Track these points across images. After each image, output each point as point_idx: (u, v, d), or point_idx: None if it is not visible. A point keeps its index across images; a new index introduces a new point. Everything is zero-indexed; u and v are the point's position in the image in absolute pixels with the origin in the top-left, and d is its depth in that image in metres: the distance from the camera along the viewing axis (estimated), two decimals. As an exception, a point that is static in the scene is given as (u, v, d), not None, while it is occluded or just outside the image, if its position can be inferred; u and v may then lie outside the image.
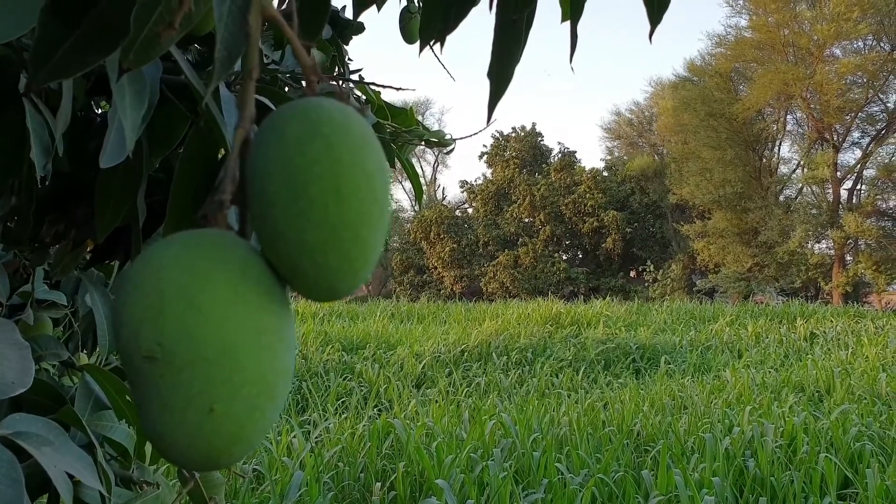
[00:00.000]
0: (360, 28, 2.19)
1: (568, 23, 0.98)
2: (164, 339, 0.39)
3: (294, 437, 6.30)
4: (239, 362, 0.39)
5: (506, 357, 11.04)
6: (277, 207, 0.40)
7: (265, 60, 1.70)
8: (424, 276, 35.97)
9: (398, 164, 1.76)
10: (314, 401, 8.18)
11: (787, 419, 6.57)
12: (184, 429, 0.40)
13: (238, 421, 0.40)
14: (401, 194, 51.12)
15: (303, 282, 0.42)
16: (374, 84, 1.68)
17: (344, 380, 9.15)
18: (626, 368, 11.05)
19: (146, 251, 0.41)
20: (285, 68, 1.73)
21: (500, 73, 0.93)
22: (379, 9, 1.42)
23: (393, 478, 5.41)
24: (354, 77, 2.42)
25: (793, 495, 5.09)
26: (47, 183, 1.33)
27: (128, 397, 1.01)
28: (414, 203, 43.93)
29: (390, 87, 1.58)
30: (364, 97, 1.89)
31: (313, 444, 6.16)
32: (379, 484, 5.19)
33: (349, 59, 2.38)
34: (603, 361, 11.25)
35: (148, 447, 1.08)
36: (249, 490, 5.28)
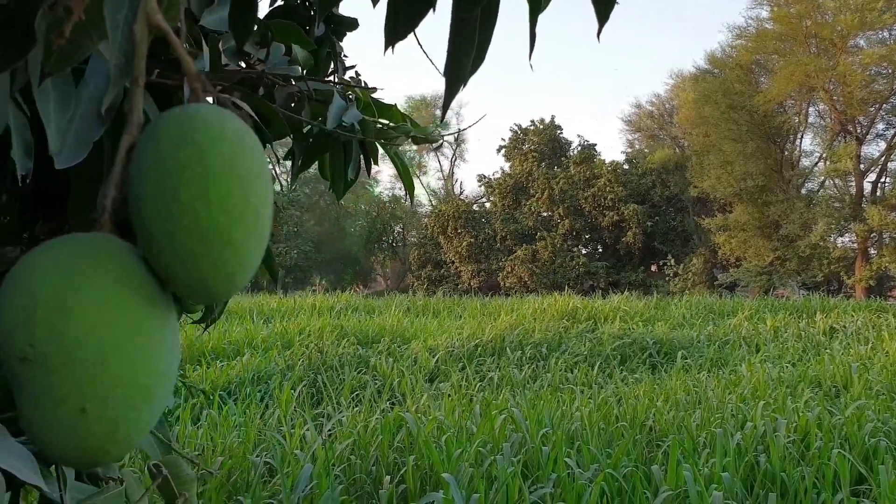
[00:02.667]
0: (353, 24, 2.20)
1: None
2: (36, 341, 0.40)
3: (307, 430, 6.35)
4: (110, 364, 0.40)
5: (520, 352, 11.02)
6: (151, 212, 0.41)
7: (250, 59, 1.72)
8: (442, 271, 35.98)
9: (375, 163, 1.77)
10: (328, 394, 8.22)
11: (800, 414, 6.51)
12: (58, 428, 0.41)
13: (111, 421, 0.41)
14: (418, 189, 51.14)
15: (179, 285, 0.43)
16: (347, 83, 1.69)
17: (358, 373, 9.19)
18: (642, 363, 11.00)
19: (25, 255, 0.42)
20: (271, 66, 1.74)
21: (455, 72, 0.93)
22: (374, 5, 1.43)
23: (403, 471, 5.43)
24: (351, 73, 2.43)
25: (804, 491, 5.05)
26: (28, 181, 1.35)
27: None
28: (430, 198, 43.99)
29: (368, 88, 1.59)
30: (351, 95, 1.90)
31: (325, 438, 6.20)
32: (388, 477, 5.21)
33: (344, 55, 2.39)
34: (619, 357, 11.20)
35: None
36: (261, 483, 5.33)
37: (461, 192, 43.46)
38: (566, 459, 5.31)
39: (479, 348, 11.16)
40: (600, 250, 36.42)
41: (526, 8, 0.94)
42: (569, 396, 7.92)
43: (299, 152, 1.82)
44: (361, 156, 1.96)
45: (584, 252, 35.67)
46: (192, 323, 2.40)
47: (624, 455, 5.55)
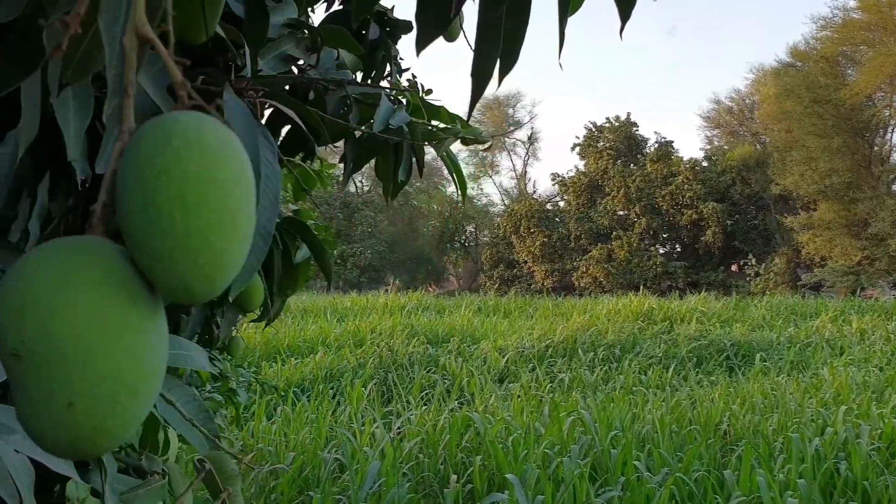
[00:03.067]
0: (408, 27, 2.22)
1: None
2: (26, 338, 0.42)
3: (377, 427, 6.43)
4: (96, 360, 0.43)
5: (592, 353, 10.89)
6: (132, 217, 0.43)
7: (300, 63, 1.76)
8: (514, 271, 35.84)
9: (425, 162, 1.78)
10: (398, 392, 8.31)
11: (886, 421, 6.23)
12: (48, 421, 0.43)
13: (98, 415, 0.43)
14: (490, 188, 51.08)
15: (162, 286, 0.45)
16: (394, 86, 1.70)
17: (428, 372, 9.26)
18: (718, 366, 10.72)
19: (20, 257, 0.44)
20: (321, 71, 1.78)
21: (480, 73, 0.94)
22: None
23: (470, 471, 5.45)
24: (407, 75, 2.46)
25: (888, 501, 4.83)
26: (87, 185, 1.41)
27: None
28: (503, 197, 43.87)
29: (415, 89, 1.60)
30: (403, 98, 1.92)
31: (394, 436, 6.27)
32: (455, 476, 5.23)
33: (400, 58, 2.42)
34: (695, 359, 10.94)
35: (160, 438, 1.14)
36: (331, 479, 5.43)
37: (534, 191, 43.25)
38: (635, 462, 5.22)
39: (550, 349, 11.08)
40: (678, 250, 35.64)
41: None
42: (641, 399, 7.79)
43: (350, 155, 1.85)
44: (413, 158, 1.98)
45: (661, 251, 34.97)
46: (252, 321, 2.46)
47: (695, 459, 5.43)
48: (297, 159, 2.25)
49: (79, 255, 0.44)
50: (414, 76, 2.52)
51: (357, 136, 1.82)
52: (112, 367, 0.43)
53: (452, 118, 1.90)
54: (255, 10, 0.93)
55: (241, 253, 0.46)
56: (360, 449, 5.89)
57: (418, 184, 41.42)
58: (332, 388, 8.42)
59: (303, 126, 1.22)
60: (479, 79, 0.91)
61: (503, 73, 1.14)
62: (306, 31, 1.71)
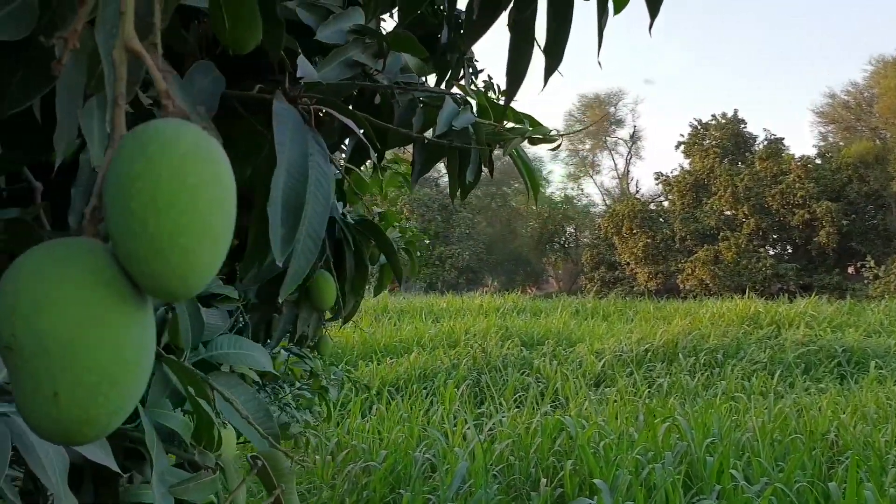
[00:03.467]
0: (481, 29, 2.22)
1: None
2: (17, 332, 0.46)
3: (468, 428, 6.46)
4: (78, 354, 0.45)
5: (693, 358, 10.57)
6: (113, 219, 0.46)
7: (368, 69, 1.78)
8: (616, 273, 35.15)
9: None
10: (491, 394, 8.31)
11: None
12: (37, 409, 0.46)
13: (82, 405, 0.46)
14: (591, 188, 50.34)
15: (142, 284, 0.47)
16: (462, 88, 1.71)
17: (522, 374, 9.22)
18: (828, 373, 10.20)
19: (18, 258, 0.48)
20: (389, 76, 1.80)
21: (514, 71, 0.94)
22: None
23: (561, 475, 5.39)
24: (483, 76, 2.47)
25: None
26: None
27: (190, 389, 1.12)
28: (604, 198, 43.17)
29: (473, 90, 1.61)
30: (468, 99, 1.93)
31: (485, 437, 6.28)
32: (545, 480, 5.19)
33: (475, 59, 2.43)
34: (802, 365, 10.45)
35: (215, 434, 1.18)
36: (421, 478, 5.49)
37: (637, 191, 42.32)
38: (732, 471, 5.04)
39: (650, 353, 10.82)
40: (790, 251, 34.10)
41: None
42: (743, 406, 7.51)
43: (419, 158, 1.87)
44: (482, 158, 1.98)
45: (771, 253, 33.54)
46: (329, 320, 2.52)
47: (798, 469, 5.19)
48: (370, 164, 2.29)
49: (66, 256, 0.47)
50: (490, 77, 2.53)
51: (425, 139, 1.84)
52: (92, 359, 0.46)
53: (520, 118, 1.89)
54: (270, 19, 0.95)
55: (214, 253, 0.48)
56: (450, 449, 5.93)
57: (517, 184, 41.30)
58: (425, 389, 8.51)
59: (357, 132, 1.24)
60: (514, 77, 0.91)
61: (549, 72, 1.13)
62: (373, 37, 1.75)
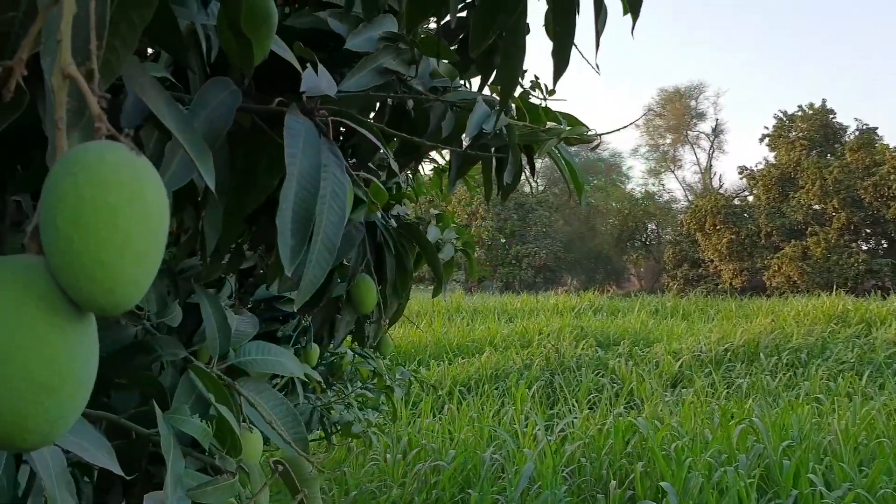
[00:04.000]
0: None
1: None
2: None
3: (539, 429, 6.42)
4: (12, 365, 0.48)
5: (775, 357, 10.21)
6: (43, 237, 0.49)
7: (401, 76, 1.80)
8: (700, 270, 34.26)
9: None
10: (564, 395, 8.24)
11: None
12: None
13: (20, 413, 0.49)
14: (673, 184, 49.22)
15: (74, 299, 0.50)
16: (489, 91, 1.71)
17: (596, 375, 9.10)
18: (924, 373, 9.69)
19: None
20: (424, 82, 1.82)
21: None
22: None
23: (631, 477, 5.31)
24: (530, 79, 2.45)
25: None
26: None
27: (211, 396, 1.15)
28: (686, 193, 42.14)
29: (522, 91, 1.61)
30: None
31: (555, 438, 6.23)
32: (615, 482, 5.12)
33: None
34: (895, 365, 9.96)
35: (236, 439, 1.21)
36: (491, 478, 5.50)
37: (720, 186, 41.17)
38: (810, 476, 4.85)
39: (729, 353, 10.51)
40: (885, 245, 32.54)
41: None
42: (826, 408, 7.22)
43: (456, 161, 1.88)
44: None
45: (864, 248, 32.08)
46: (369, 322, 2.54)
47: (883, 475, 4.95)
48: (412, 171, 2.31)
49: (4, 272, 0.50)
50: (536, 77, 2.51)
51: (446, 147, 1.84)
52: (26, 370, 0.49)
53: (556, 118, 1.87)
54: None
55: (139, 268, 0.50)
56: (519, 450, 5.92)
57: (595, 181, 40.75)
58: (496, 389, 8.50)
59: (376, 141, 1.25)
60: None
61: (557, 76, 1.12)
62: (406, 44, 1.77)
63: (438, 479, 5.61)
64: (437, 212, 3.46)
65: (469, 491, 5.29)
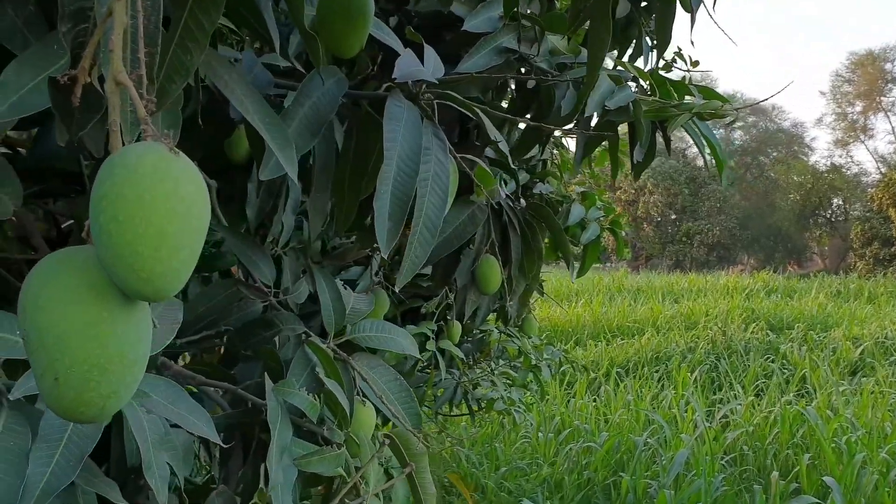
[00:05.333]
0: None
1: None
2: (26, 327, 0.55)
3: (699, 415, 6.20)
4: (68, 347, 0.54)
5: (978, 346, 9.20)
6: (92, 232, 0.53)
7: (524, 55, 1.77)
8: (892, 249, 31.36)
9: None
10: (729, 381, 7.88)
11: None
12: (45, 391, 0.56)
13: (77, 389, 0.55)
14: (862, 155, 45.20)
15: (120, 287, 0.54)
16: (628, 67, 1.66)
17: (765, 360, 8.61)
18: None
19: (41, 260, 0.57)
20: (544, 60, 1.79)
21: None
22: None
23: (795, 470, 5.01)
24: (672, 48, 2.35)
25: None
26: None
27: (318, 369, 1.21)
28: (878, 165, 38.66)
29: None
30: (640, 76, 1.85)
31: (715, 424, 5.98)
32: (776, 474, 4.84)
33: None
34: None
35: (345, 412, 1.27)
36: (644, 463, 5.37)
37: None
38: None
39: (922, 340, 9.59)
40: None
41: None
42: None
43: (582, 140, 1.84)
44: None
45: None
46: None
47: None
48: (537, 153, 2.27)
49: (64, 262, 0.56)
50: (679, 49, 2.41)
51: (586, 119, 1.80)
52: (81, 351, 0.54)
53: (686, 91, 1.78)
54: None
55: (175, 258, 0.53)
56: (677, 435, 5.74)
57: (775, 153, 38.27)
58: (656, 372, 8.26)
59: (483, 122, 1.26)
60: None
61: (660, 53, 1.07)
62: (530, 21, 1.74)
63: (590, 460, 5.55)
64: (581, 189, 3.39)
65: (621, 474, 5.20)
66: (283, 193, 1.55)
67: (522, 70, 1.74)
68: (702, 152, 1.89)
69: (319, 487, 1.27)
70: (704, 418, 6.08)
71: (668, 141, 1.94)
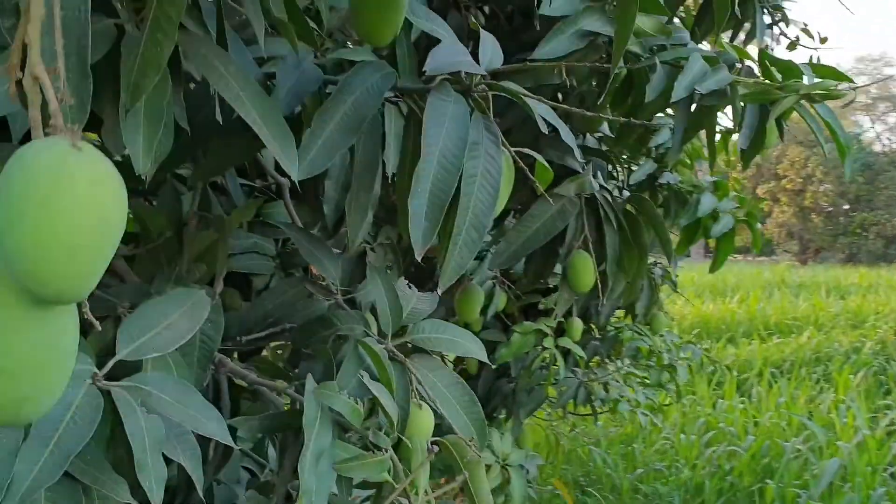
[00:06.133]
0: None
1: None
2: None
3: (860, 421, 5.71)
4: None
5: None
6: None
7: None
8: None
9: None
10: (898, 384, 7.20)
11: None
12: None
13: None
14: None
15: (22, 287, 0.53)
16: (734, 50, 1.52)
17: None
18: None
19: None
20: (633, 41, 1.68)
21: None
22: None
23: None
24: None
25: None
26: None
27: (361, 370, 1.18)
28: None
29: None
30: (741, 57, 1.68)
31: (879, 432, 5.47)
32: (948, 491, 4.36)
33: (779, 4, 2.13)
34: None
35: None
36: (795, 470, 5.01)
37: None
38: None
39: None
40: None
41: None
42: None
43: (679, 125, 1.70)
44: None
45: None
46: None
47: None
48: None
49: None
50: (805, 25, 2.20)
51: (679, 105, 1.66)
52: None
53: (796, 73, 1.60)
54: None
55: (74, 261, 0.51)
56: (833, 442, 5.29)
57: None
58: (815, 373, 7.67)
59: (539, 116, 1.18)
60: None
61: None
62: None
63: (735, 464, 5.24)
64: (713, 178, 3.18)
65: (768, 481, 4.86)
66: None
67: (609, 55, 1.63)
68: (818, 138, 1.70)
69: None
70: (867, 425, 5.58)
71: (781, 127, 1.76)
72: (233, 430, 1.21)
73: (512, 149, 1.19)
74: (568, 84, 1.53)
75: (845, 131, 1.78)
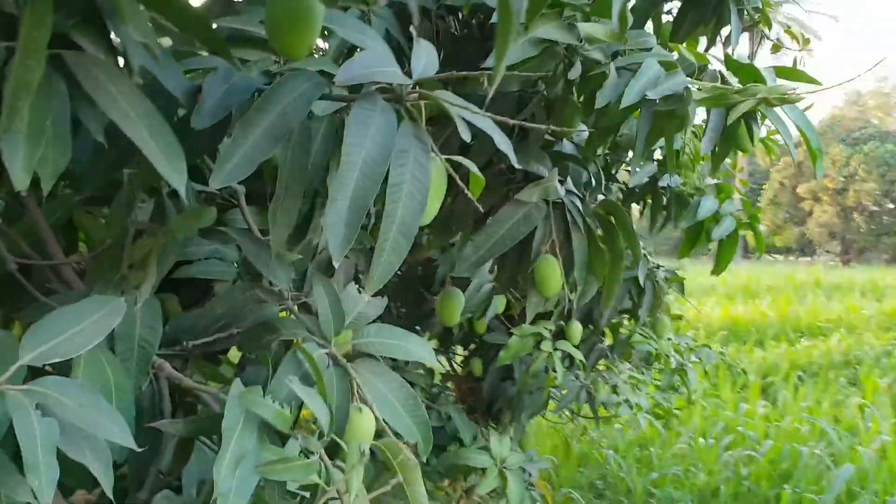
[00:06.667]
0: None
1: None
2: None
3: (884, 425, 5.60)
4: None
5: None
6: None
7: (574, 46, 1.65)
8: None
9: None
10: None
11: None
12: None
13: None
14: None
15: None
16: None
17: None
18: None
19: None
20: (597, 49, 1.68)
21: None
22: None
23: None
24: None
25: None
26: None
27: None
28: None
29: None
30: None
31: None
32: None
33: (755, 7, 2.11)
34: None
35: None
36: (814, 477, 4.92)
37: None
38: None
39: None
40: None
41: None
42: None
43: (642, 129, 1.69)
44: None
45: None
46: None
47: None
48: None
49: None
50: (788, 27, 2.17)
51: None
52: None
53: (756, 76, 1.58)
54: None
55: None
56: (854, 447, 5.19)
57: None
58: (843, 377, 7.51)
59: (462, 122, 1.19)
60: None
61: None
62: (574, 9, 1.62)
63: (749, 470, 5.16)
64: (714, 181, 3.16)
65: (785, 487, 4.78)
66: (320, 195, 1.55)
67: (569, 62, 1.63)
68: (787, 142, 1.68)
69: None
70: (892, 430, 5.46)
71: (751, 131, 1.73)
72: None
73: (443, 156, 1.20)
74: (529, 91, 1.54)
75: (817, 136, 1.76)
